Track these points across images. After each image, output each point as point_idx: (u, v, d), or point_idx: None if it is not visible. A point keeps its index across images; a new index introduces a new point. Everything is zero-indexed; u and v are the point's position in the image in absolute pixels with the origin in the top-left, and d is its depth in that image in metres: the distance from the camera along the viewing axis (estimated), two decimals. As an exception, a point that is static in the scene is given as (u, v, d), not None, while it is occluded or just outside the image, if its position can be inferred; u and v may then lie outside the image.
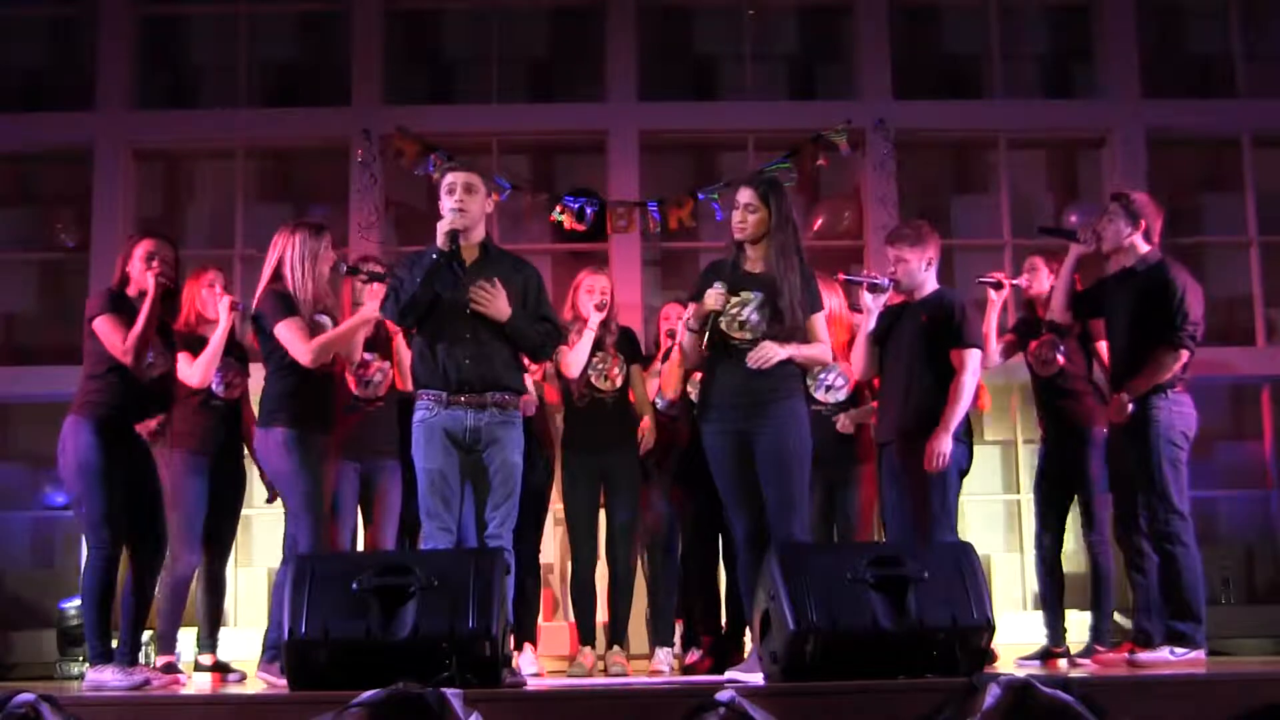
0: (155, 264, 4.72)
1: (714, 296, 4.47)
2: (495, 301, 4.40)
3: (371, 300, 4.91)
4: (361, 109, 7.57)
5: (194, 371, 5.19)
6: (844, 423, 5.37)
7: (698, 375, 5.44)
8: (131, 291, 4.78)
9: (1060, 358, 5.52)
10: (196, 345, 5.30)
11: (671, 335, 5.74)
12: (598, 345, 5.56)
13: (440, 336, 4.44)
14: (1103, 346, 5.48)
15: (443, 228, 4.40)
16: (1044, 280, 5.60)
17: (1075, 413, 5.48)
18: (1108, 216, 5.10)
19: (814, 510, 5.36)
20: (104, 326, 4.67)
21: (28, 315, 7.83)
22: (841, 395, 5.45)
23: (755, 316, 4.50)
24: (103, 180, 7.50)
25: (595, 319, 5.41)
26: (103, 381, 4.70)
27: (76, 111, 7.65)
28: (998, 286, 5.52)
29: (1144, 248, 5.05)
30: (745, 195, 4.58)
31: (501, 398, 4.45)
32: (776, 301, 4.49)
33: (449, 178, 4.53)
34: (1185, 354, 4.88)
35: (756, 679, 4.12)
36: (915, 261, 5.01)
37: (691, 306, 4.61)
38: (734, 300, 4.50)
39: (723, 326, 4.50)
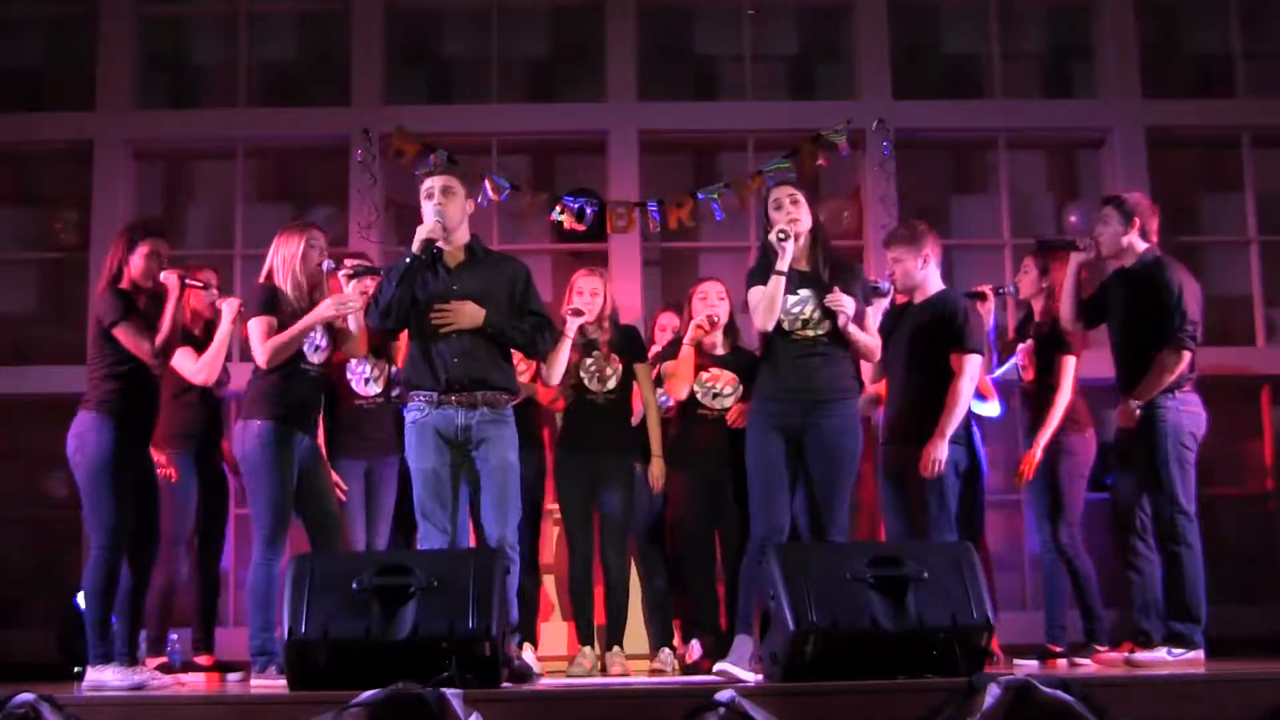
0: (174, 267, 4.80)
1: (785, 223, 4.53)
2: (458, 316, 4.44)
3: (356, 297, 4.93)
4: (361, 109, 7.57)
5: (199, 368, 5.19)
6: None
7: (705, 376, 5.46)
8: (124, 284, 4.78)
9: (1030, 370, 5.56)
10: (191, 342, 5.32)
11: (671, 343, 5.73)
12: (592, 346, 5.55)
13: (428, 337, 4.48)
14: (1069, 361, 5.49)
15: (420, 234, 4.45)
16: (1036, 281, 5.62)
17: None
18: (1102, 220, 5.12)
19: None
20: (127, 334, 4.67)
21: (28, 315, 7.82)
22: None
23: (818, 315, 4.55)
24: (103, 180, 7.50)
25: (571, 325, 5.34)
26: (122, 382, 4.71)
27: (76, 111, 7.64)
28: (982, 299, 5.52)
29: (1141, 247, 5.05)
30: (788, 191, 4.63)
31: (493, 396, 4.48)
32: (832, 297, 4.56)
33: (426, 183, 4.60)
34: (1188, 354, 4.88)
35: (747, 675, 4.15)
36: (911, 261, 5.03)
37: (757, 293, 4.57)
38: (793, 299, 4.55)
39: (785, 326, 4.55)
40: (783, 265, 4.49)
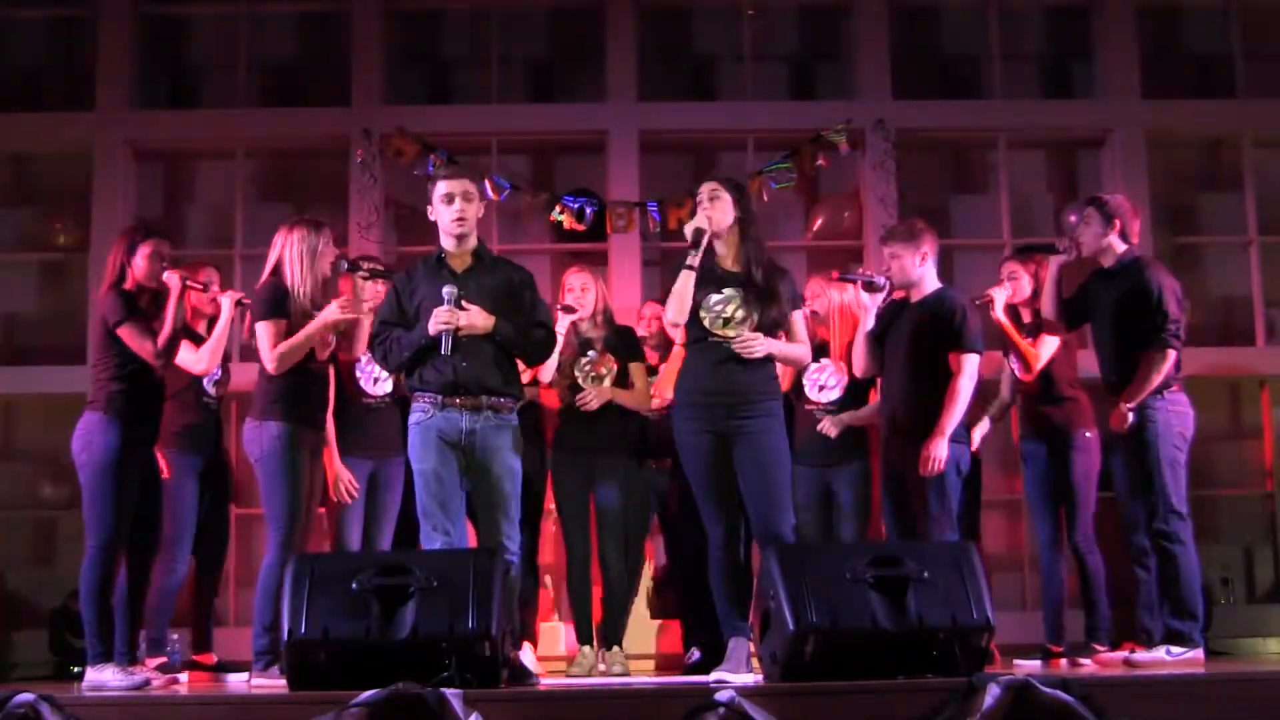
0: (178, 267, 4.80)
1: (699, 220, 4.50)
2: (470, 322, 4.41)
3: (371, 297, 4.93)
4: (361, 109, 7.57)
5: (199, 358, 5.19)
6: (827, 426, 5.34)
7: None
8: (129, 285, 4.78)
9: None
10: (193, 338, 5.32)
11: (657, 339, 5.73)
12: (588, 345, 5.54)
13: (435, 340, 4.44)
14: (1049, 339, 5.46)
15: (435, 325, 4.37)
16: (1025, 287, 5.62)
17: (1058, 416, 5.49)
18: (1084, 221, 5.14)
19: (812, 508, 5.37)
20: (131, 333, 4.67)
21: (28, 315, 7.82)
22: (835, 394, 5.45)
23: (740, 313, 4.51)
24: (103, 180, 7.50)
25: (563, 322, 5.34)
26: (128, 383, 4.71)
27: (76, 111, 7.64)
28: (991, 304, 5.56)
29: (1120, 248, 5.08)
30: (710, 187, 4.61)
31: (497, 401, 4.45)
32: (758, 298, 4.51)
33: (444, 186, 4.51)
34: (1172, 353, 4.90)
35: (744, 679, 4.15)
36: (909, 258, 5.02)
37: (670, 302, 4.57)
38: (716, 298, 4.52)
39: (706, 324, 4.51)
40: (693, 261, 4.47)
